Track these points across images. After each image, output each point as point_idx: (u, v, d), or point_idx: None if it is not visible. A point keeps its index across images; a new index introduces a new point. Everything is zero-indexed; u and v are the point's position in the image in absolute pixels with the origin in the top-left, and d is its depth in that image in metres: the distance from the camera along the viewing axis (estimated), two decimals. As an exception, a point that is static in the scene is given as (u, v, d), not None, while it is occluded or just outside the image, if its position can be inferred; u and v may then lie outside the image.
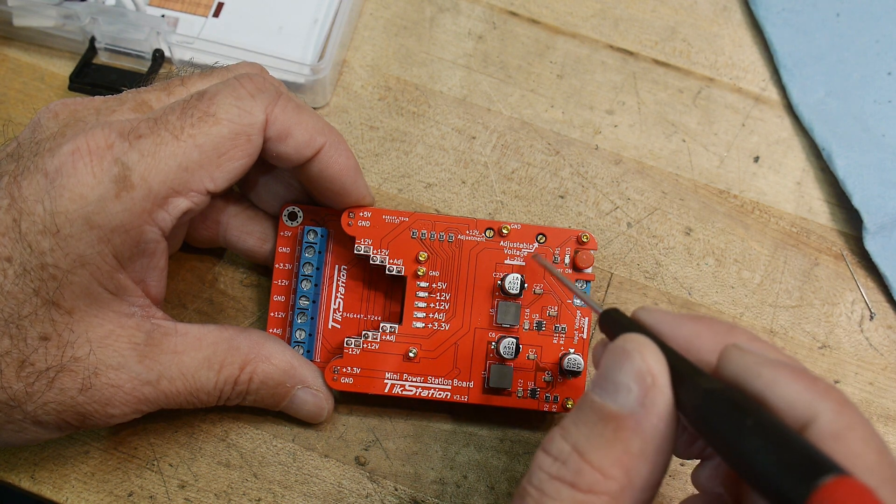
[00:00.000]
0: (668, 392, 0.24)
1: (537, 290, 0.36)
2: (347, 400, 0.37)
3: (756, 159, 0.43)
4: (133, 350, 0.30)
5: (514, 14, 0.46)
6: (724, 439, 0.22)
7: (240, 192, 0.37)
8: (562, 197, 0.42)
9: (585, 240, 0.36)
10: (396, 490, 0.36)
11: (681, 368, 0.24)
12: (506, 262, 0.36)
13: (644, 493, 0.23)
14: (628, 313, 0.28)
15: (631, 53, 0.45)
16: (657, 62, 0.45)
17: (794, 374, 0.22)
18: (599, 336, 0.39)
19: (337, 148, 0.33)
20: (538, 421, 0.37)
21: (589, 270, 0.36)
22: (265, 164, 0.33)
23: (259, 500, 0.35)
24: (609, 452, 0.23)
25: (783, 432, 0.21)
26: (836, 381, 0.38)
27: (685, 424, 0.25)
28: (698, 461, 0.29)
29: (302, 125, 0.32)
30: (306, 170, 0.33)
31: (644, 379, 0.23)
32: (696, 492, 0.29)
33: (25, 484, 0.35)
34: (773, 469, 0.20)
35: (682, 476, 0.36)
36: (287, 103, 0.31)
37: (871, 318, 0.40)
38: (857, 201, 0.41)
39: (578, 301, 0.36)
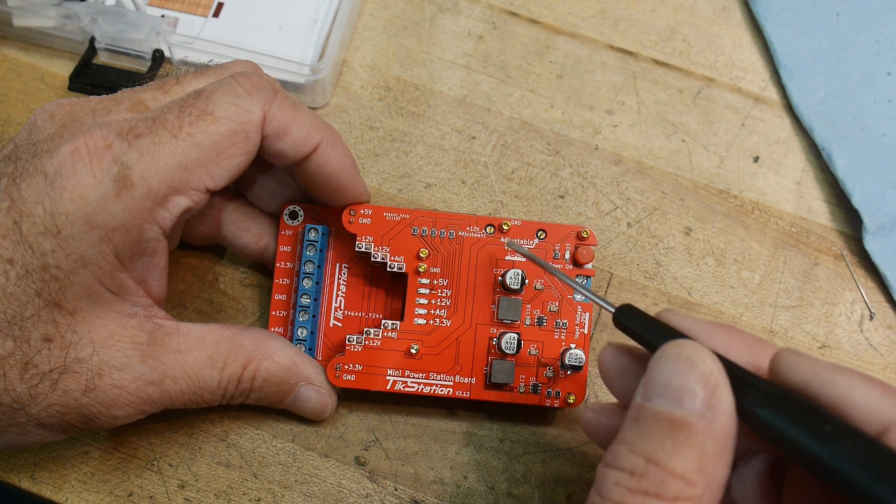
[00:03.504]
0: (730, 392, 0.24)
1: (538, 286, 0.36)
2: (347, 400, 0.37)
3: (756, 159, 0.43)
4: (136, 350, 0.30)
5: (514, 14, 0.46)
6: (799, 444, 0.22)
7: (236, 189, 0.37)
8: (562, 197, 0.42)
9: (585, 235, 0.36)
10: (396, 490, 0.36)
11: (734, 372, 0.24)
12: (506, 258, 0.36)
13: (720, 493, 0.23)
14: None
15: (631, 53, 0.45)
16: (657, 62, 0.45)
17: (870, 381, 0.23)
18: (599, 335, 0.39)
19: (334, 145, 0.33)
20: (539, 417, 0.37)
21: (589, 266, 0.36)
22: (262, 162, 0.33)
23: (259, 500, 0.35)
24: (687, 458, 0.23)
25: (867, 438, 0.21)
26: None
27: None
28: None
29: (299, 122, 0.32)
30: (304, 167, 0.33)
31: (709, 381, 0.23)
32: None
33: (25, 484, 0.35)
34: (864, 475, 0.20)
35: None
36: (284, 101, 0.32)
37: (871, 318, 0.40)
38: (857, 201, 0.41)
39: (579, 297, 0.36)
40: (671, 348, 0.24)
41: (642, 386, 0.25)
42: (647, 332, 0.26)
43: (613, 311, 0.28)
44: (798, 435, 0.22)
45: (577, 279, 0.36)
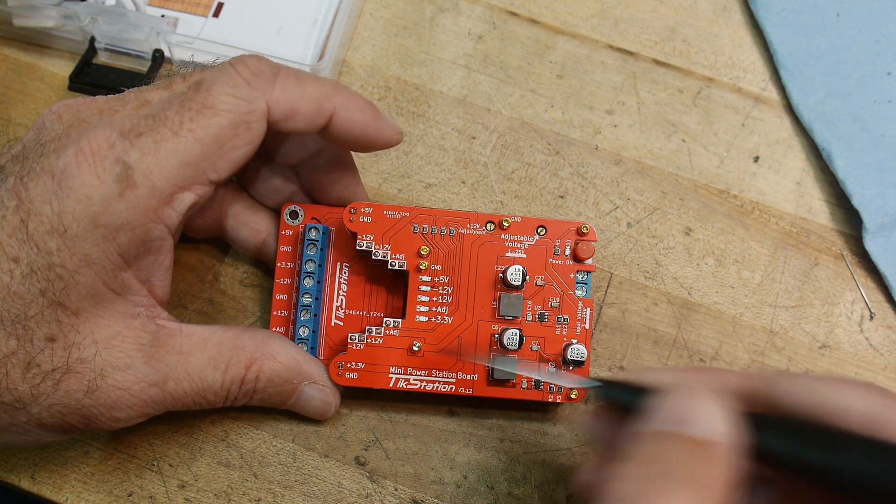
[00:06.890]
0: (737, 425, 0.24)
1: (539, 282, 0.36)
2: (348, 399, 0.37)
3: (756, 159, 0.43)
4: (139, 351, 0.30)
5: (514, 14, 0.46)
6: (815, 465, 0.22)
7: (238, 183, 0.37)
8: (562, 197, 0.42)
9: (585, 231, 0.36)
10: (396, 490, 0.36)
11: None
12: (507, 254, 0.36)
13: None
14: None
15: (631, 53, 0.45)
16: (657, 62, 0.45)
17: (850, 384, 0.24)
18: (600, 334, 0.39)
19: (348, 107, 0.32)
20: (540, 414, 0.37)
21: (589, 261, 0.36)
22: (263, 156, 0.33)
23: (259, 500, 0.35)
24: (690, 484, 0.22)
25: (870, 440, 0.21)
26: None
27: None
28: None
29: (306, 98, 0.31)
30: (326, 134, 0.32)
31: (716, 414, 0.24)
32: None
33: (25, 484, 0.35)
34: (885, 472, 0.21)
35: None
36: (286, 80, 0.31)
37: (871, 318, 0.40)
38: (857, 201, 0.41)
39: (580, 293, 0.36)
40: (682, 388, 0.25)
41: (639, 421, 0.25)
42: (632, 397, 0.26)
43: (600, 385, 0.28)
44: (810, 455, 0.22)
45: (577, 274, 0.36)
